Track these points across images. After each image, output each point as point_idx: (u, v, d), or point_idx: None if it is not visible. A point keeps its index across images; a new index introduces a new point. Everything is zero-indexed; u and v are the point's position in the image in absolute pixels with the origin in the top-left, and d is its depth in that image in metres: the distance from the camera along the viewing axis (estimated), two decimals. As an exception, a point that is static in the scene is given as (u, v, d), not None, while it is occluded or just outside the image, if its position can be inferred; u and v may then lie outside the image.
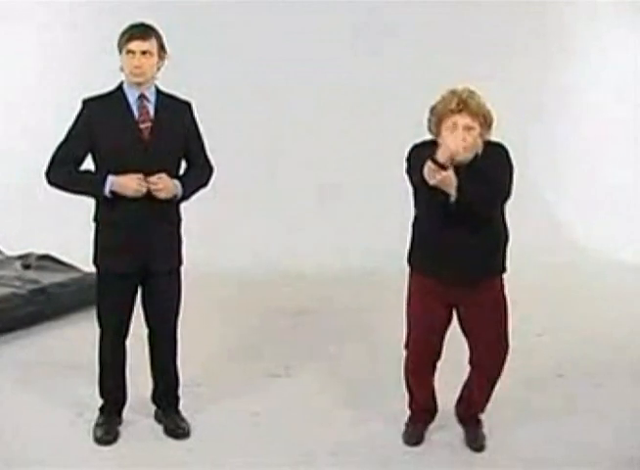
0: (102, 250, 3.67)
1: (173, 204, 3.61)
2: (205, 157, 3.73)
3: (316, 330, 5.20)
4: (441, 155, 3.00)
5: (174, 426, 3.84)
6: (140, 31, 3.46)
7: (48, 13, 7.10)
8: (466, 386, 3.77)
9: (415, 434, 3.83)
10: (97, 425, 3.82)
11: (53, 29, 7.14)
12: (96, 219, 3.65)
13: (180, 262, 3.76)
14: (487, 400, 3.73)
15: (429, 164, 3.01)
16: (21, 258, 5.68)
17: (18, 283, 5.20)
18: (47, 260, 5.62)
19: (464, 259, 3.37)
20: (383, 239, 6.33)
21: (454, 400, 3.85)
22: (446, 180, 3.05)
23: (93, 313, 5.26)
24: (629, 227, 6.91)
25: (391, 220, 5.97)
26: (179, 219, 3.71)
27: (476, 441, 3.73)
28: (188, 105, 3.69)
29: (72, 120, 3.59)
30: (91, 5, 7.02)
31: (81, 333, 4.98)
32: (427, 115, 3.35)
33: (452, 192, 3.10)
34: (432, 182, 3.04)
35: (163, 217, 3.59)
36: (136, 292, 3.75)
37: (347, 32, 7.06)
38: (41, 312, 5.10)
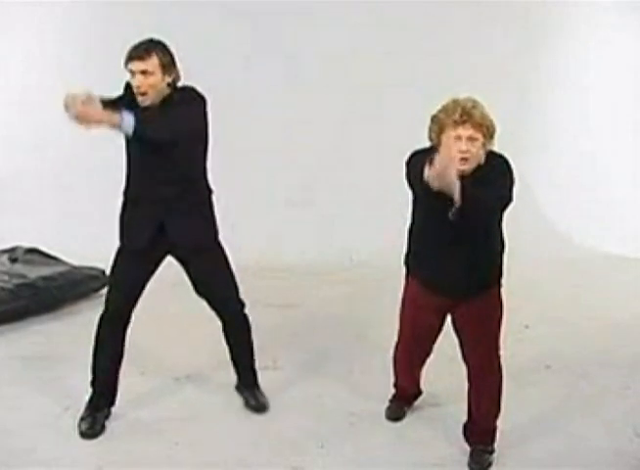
0: (124, 225, 3.69)
1: (193, 180, 3.60)
2: (176, 116, 3.46)
3: (303, 323, 5.17)
4: (439, 163, 2.88)
5: (255, 400, 4.01)
6: (139, 51, 3.44)
7: (48, 13, 7.11)
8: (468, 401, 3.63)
9: (396, 411, 3.97)
10: (82, 418, 3.79)
11: (52, 29, 7.15)
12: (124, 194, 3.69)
13: (209, 238, 3.70)
14: (489, 418, 3.57)
15: (428, 168, 2.92)
16: (7, 251, 5.58)
17: (4, 277, 5.11)
18: (34, 254, 5.53)
19: (461, 272, 3.32)
20: (371, 233, 6.34)
21: (444, 381, 3.91)
22: (450, 183, 2.92)
23: (80, 308, 5.32)
24: (626, 225, 6.90)
25: (380, 215, 6.02)
26: (205, 195, 3.68)
27: (477, 463, 3.58)
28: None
29: None
30: (91, 5, 7.02)
31: (68, 328, 4.98)
32: (428, 122, 3.26)
33: (456, 196, 2.99)
34: (435, 184, 2.93)
35: (184, 193, 3.57)
36: (149, 274, 3.71)
37: (348, 32, 7.03)
38: (28, 307, 5.02)
